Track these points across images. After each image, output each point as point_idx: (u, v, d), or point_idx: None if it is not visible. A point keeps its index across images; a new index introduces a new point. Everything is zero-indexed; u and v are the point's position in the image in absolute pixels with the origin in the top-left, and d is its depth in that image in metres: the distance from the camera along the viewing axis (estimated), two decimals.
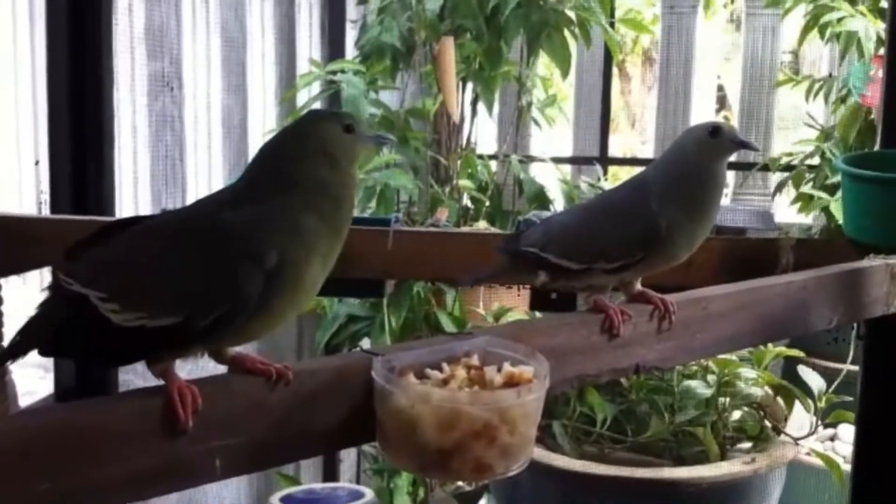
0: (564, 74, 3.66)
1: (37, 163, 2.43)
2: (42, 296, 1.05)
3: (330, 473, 3.71)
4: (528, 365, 1.05)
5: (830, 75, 3.92)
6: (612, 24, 3.96)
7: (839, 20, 3.49)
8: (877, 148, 2.00)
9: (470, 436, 0.96)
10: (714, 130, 1.30)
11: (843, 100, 3.63)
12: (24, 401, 2.18)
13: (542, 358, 1.05)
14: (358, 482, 3.60)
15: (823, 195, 3.46)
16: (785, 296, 1.50)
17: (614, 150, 5.10)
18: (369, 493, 2.87)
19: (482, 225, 3.61)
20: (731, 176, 4.78)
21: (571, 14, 3.56)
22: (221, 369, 1.03)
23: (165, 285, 0.96)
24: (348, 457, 3.77)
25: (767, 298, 1.47)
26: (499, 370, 1.04)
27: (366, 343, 3.32)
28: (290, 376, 0.99)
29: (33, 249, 1.94)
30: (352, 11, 3.96)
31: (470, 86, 3.75)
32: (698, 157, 1.29)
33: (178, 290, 0.95)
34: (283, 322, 1.02)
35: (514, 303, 2.95)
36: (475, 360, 1.07)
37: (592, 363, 1.26)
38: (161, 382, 0.94)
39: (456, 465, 0.97)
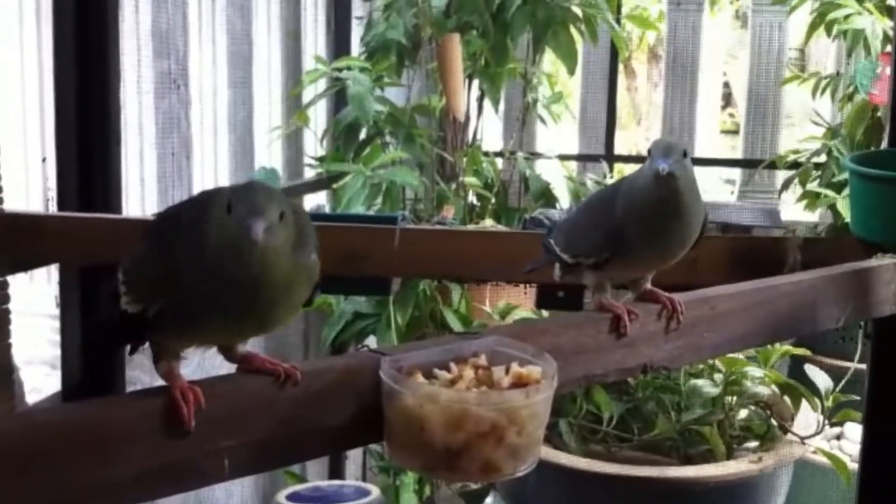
0: (570, 71, 3.66)
1: (44, 160, 2.43)
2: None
3: (336, 471, 3.71)
4: (536, 365, 1.04)
5: (837, 73, 3.91)
6: (618, 21, 3.96)
7: (846, 17, 3.49)
8: (884, 146, 2.00)
9: (477, 436, 0.96)
10: (649, 151, 1.21)
11: (849, 97, 3.62)
12: (31, 398, 2.19)
13: (550, 358, 1.05)
14: (364, 480, 3.60)
15: (830, 193, 3.46)
16: (793, 295, 1.49)
17: (620, 147, 5.08)
18: (375, 491, 2.87)
19: (488, 222, 3.60)
20: (737, 173, 4.77)
21: (577, 11, 3.56)
22: (231, 368, 1.03)
23: (136, 275, 0.99)
24: (354, 454, 3.78)
25: (775, 298, 1.46)
26: (507, 370, 1.03)
27: (372, 340, 3.32)
28: (298, 376, 0.99)
29: (40, 246, 1.95)
30: (357, 8, 3.96)
31: (476, 83, 3.74)
32: (646, 179, 1.22)
33: (143, 280, 0.98)
34: (233, 335, 1.00)
35: (520, 301, 2.94)
36: (483, 360, 1.07)
37: (600, 363, 1.25)
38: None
39: (463, 465, 0.97)
